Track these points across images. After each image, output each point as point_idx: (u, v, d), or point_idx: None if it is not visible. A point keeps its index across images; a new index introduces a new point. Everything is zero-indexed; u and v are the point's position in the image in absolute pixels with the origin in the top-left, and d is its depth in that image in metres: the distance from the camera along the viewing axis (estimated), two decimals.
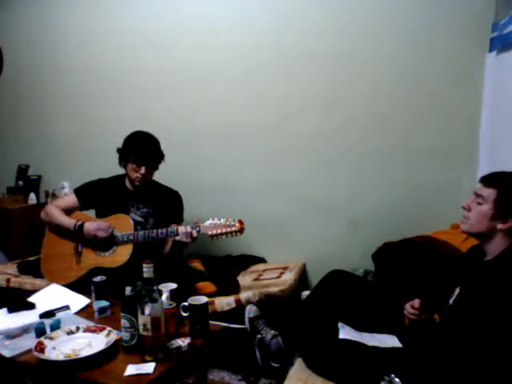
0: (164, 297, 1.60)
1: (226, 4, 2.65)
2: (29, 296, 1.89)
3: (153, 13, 2.82)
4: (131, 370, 1.32)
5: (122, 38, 2.92)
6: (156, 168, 2.25)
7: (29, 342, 1.48)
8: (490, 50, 2.14)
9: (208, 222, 2.03)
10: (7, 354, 1.43)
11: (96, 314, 1.70)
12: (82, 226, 2.14)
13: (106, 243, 2.14)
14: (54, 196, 3.20)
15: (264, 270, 2.53)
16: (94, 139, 3.06)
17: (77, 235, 2.16)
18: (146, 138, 2.19)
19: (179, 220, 2.33)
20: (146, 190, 2.27)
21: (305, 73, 2.53)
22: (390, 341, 1.51)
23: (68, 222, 2.19)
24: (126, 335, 1.43)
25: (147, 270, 1.39)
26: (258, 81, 2.63)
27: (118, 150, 2.22)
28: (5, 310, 1.75)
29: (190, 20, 2.74)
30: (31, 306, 1.79)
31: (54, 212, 2.22)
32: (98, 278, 1.80)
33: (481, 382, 1.22)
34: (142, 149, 2.15)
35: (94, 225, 2.13)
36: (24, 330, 1.57)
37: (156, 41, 2.83)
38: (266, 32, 2.58)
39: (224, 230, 2.01)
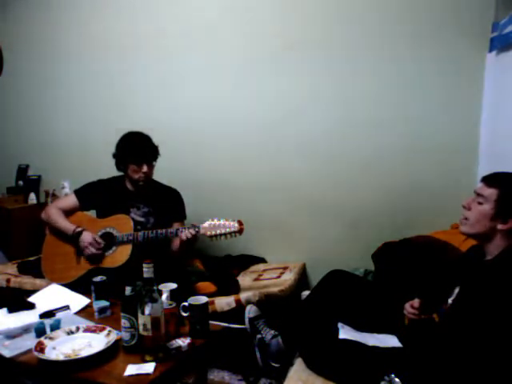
0: (164, 297, 1.60)
1: (226, 2, 2.65)
2: (29, 296, 1.89)
3: (153, 13, 2.81)
4: (131, 369, 1.32)
5: (123, 37, 2.92)
6: (155, 162, 2.26)
7: (29, 342, 1.48)
8: (490, 50, 2.15)
9: (207, 223, 2.03)
10: (7, 354, 1.43)
11: (96, 314, 1.70)
12: (79, 233, 2.14)
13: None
14: (54, 196, 3.20)
15: (264, 270, 2.53)
16: (94, 139, 3.05)
17: (72, 240, 2.17)
18: (140, 137, 2.20)
19: (182, 217, 2.34)
20: (146, 189, 2.27)
21: (305, 73, 2.52)
22: (390, 341, 1.51)
23: (67, 226, 2.19)
24: (126, 335, 1.43)
25: (147, 270, 1.39)
26: (258, 81, 2.63)
27: (114, 156, 2.22)
28: (5, 309, 1.75)
29: (190, 19, 2.73)
30: (31, 306, 1.79)
31: (54, 214, 2.23)
32: (98, 278, 1.80)
33: (481, 381, 1.22)
34: (139, 148, 2.16)
35: (89, 238, 2.13)
36: (24, 330, 1.57)
37: (156, 41, 2.83)
38: (266, 31, 2.57)
39: (223, 231, 2.00)
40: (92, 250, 2.11)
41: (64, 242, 2.23)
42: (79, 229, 2.16)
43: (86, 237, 2.13)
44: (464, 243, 1.86)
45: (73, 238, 2.16)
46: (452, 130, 2.29)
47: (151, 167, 2.22)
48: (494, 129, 2.13)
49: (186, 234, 2.02)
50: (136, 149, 2.17)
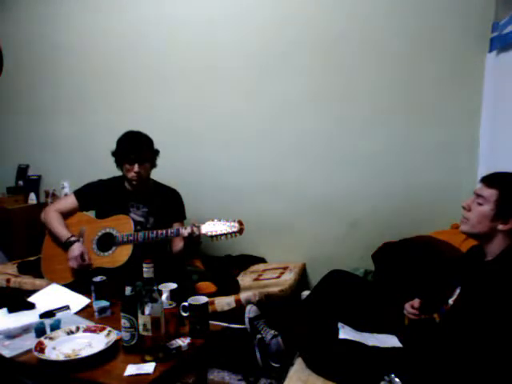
0: (164, 297, 1.60)
1: (226, 4, 2.65)
2: (29, 296, 1.90)
3: (154, 13, 2.81)
4: (131, 369, 1.32)
5: (123, 38, 2.92)
6: (152, 165, 2.26)
7: (29, 342, 1.48)
8: (490, 50, 2.15)
9: (208, 223, 2.04)
10: (7, 354, 1.43)
11: (96, 313, 1.71)
12: (71, 243, 2.13)
13: (106, 244, 2.14)
14: (54, 196, 3.20)
15: (264, 270, 2.53)
16: (94, 139, 3.05)
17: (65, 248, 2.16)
18: (133, 137, 2.20)
19: (181, 217, 2.34)
20: (145, 189, 2.28)
21: (305, 73, 2.52)
22: (390, 341, 1.51)
23: (61, 233, 2.18)
24: (126, 335, 1.43)
25: (147, 270, 1.39)
26: (258, 81, 2.63)
27: (113, 154, 2.23)
28: (5, 309, 1.75)
29: (191, 20, 2.73)
30: (31, 306, 1.79)
31: (52, 218, 2.23)
32: (98, 278, 1.80)
33: (481, 381, 1.22)
34: (130, 147, 2.16)
35: (76, 251, 2.10)
36: (24, 330, 1.57)
37: (157, 41, 2.83)
38: (266, 32, 2.57)
39: (224, 231, 2.01)
40: (73, 264, 2.09)
41: None
42: (73, 238, 2.15)
43: (75, 249, 2.11)
44: (464, 243, 1.86)
45: (65, 246, 2.15)
46: (452, 129, 2.29)
47: (144, 167, 2.19)
48: (494, 129, 2.13)
49: (187, 230, 2.03)
50: (128, 148, 2.17)
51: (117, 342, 1.44)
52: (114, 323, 1.55)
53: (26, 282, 2.39)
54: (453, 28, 2.23)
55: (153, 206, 2.28)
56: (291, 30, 2.52)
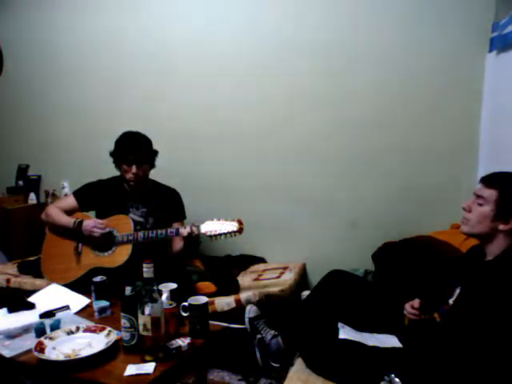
0: (164, 297, 1.60)
1: (228, 4, 2.65)
2: (29, 296, 1.90)
3: (153, 13, 2.81)
4: (131, 370, 1.32)
5: (123, 38, 2.92)
6: (151, 166, 2.25)
7: (29, 342, 1.49)
8: (490, 50, 2.15)
9: (207, 223, 2.04)
10: (7, 354, 1.43)
11: (96, 313, 1.71)
12: (81, 223, 2.15)
13: (106, 243, 2.15)
14: (54, 196, 3.20)
15: (264, 270, 2.53)
16: (94, 139, 3.04)
17: (76, 233, 2.16)
18: (132, 137, 2.20)
19: (181, 217, 2.34)
20: (145, 189, 2.28)
21: (305, 73, 2.52)
22: (390, 341, 1.51)
23: (67, 220, 2.20)
24: (126, 335, 1.43)
25: (147, 270, 1.39)
26: (258, 81, 2.63)
27: (111, 154, 2.23)
28: (5, 309, 1.75)
29: (191, 20, 2.73)
30: (31, 306, 1.79)
31: (54, 212, 2.24)
32: (98, 278, 1.80)
33: (481, 381, 1.22)
34: (128, 148, 2.16)
35: (91, 223, 2.14)
36: (24, 330, 1.57)
37: (157, 41, 2.83)
38: (267, 32, 2.57)
39: (223, 231, 2.01)
40: (98, 231, 2.11)
41: (63, 242, 2.23)
42: (79, 219, 2.17)
43: (89, 222, 2.14)
44: (464, 243, 1.87)
45: (75, 231, 2.16)
46: (452, 129, 2.30)
47: (142, 169, 2.19)
48: (494, 129, 2.13)
49: (187, 229, 2.03)
50: (126, 148, 2.16)
51: (117, 342, 1.44)
52: (114, 323, 1.55)
53: (26, 281, 2.39)
54: (453, 28, 2.23)
55: (152, 206, 2.28)
56: (292, 30, 2.52)
